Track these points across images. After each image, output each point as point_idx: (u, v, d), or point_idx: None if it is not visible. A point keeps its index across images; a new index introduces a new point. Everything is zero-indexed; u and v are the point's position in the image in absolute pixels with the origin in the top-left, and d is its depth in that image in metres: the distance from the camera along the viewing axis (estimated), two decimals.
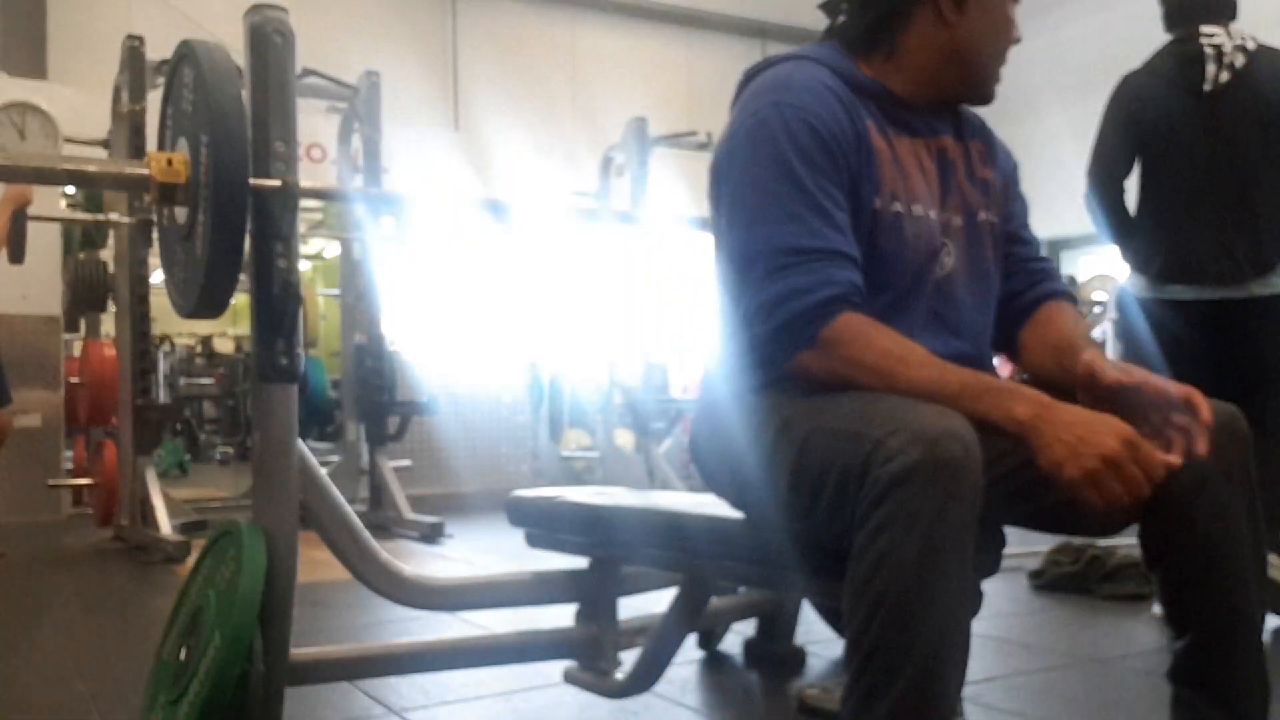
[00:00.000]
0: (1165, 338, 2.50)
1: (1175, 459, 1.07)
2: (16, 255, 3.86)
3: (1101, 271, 6.63)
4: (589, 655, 1.72)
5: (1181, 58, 2.50)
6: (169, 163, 1.43)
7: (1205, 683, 1.20)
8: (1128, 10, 8.06)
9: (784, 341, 1.18)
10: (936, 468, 0.99)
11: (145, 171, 1.43)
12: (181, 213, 1.49)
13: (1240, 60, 2.43)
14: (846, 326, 1.16)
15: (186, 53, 1.48)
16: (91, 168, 1.55)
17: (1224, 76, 2.44)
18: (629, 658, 1.70)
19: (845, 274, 1.18)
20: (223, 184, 1.37)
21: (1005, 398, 1.08)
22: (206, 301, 1.44)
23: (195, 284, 1.45)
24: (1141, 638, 2.47)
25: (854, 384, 1.14)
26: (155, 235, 1.77)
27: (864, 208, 1.23)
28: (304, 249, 8.27)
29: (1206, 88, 2.45)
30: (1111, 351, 3.61)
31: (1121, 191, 2.61)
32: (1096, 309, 5.31)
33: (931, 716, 1.01)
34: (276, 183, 1.47)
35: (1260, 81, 2.43)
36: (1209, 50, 2.45)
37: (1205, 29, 2.47)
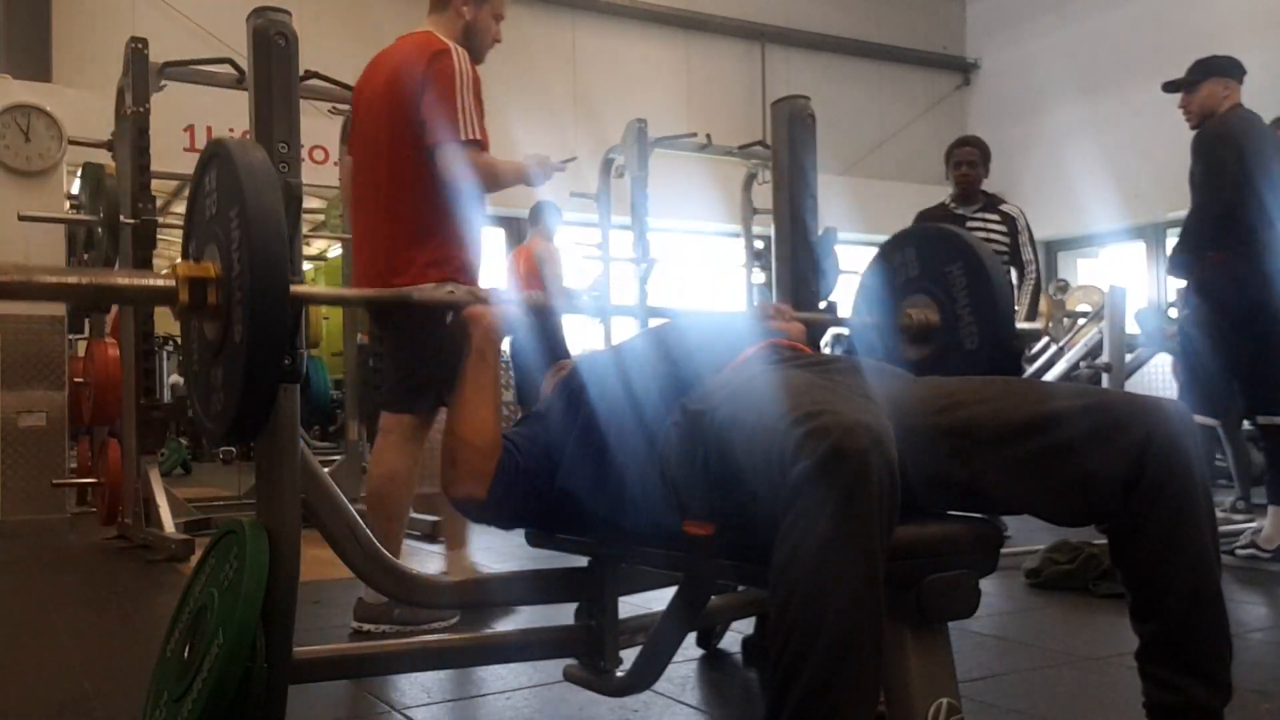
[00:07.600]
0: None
1: None
2: None
3: (1094, 278, 6.56)
4: (589, 653, 1.72)
5: None
6: (198, 272, 1.32)
7: (1179, 657, 1.23)
8: (1132, 13, 8.08)
9: None
10: (842, 459, 1.03)
11: (171, 284, 1.33)
12: (212, 328, 1.38)
13: None
14: None
15: (217, 152, 1.37)
16: (120, 280, 1.45)
17: None
18: (629, 656, 1.71)
19: None
20: (261, 293, 1.25)
21: None
22: (240, 425, 1.33)
23: (230, 407, 1.33)
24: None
25: None
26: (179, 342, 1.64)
27: None
28: (306, 250, 8.29)
29: None
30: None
31: None
32: (1080, 320, 5.21)
33: (842, 701, 1.03)
34: None
35: None
36: None
37: None
